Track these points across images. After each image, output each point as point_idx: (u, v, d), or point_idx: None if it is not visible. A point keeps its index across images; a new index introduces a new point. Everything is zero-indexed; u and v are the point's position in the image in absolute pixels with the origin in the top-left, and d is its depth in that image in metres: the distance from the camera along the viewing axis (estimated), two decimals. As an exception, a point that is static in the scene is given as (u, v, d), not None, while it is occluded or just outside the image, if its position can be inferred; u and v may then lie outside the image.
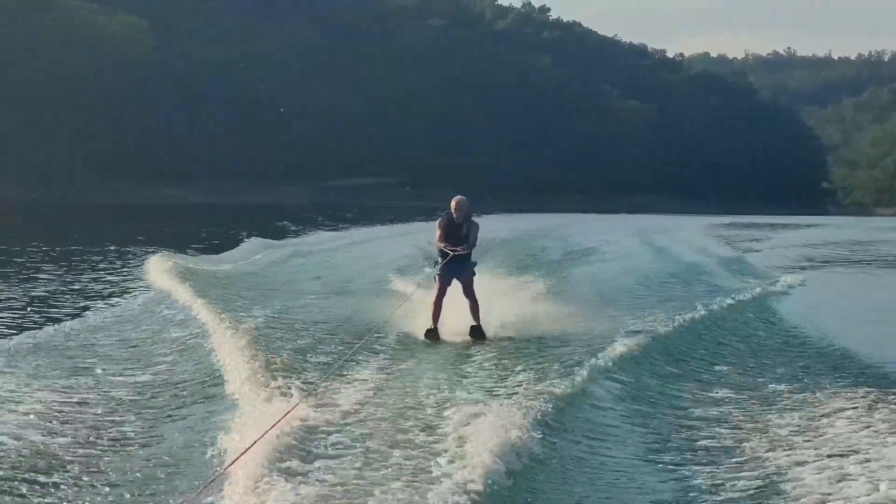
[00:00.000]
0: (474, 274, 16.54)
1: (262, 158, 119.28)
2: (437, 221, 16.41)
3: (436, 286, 16.22)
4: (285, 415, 9.35)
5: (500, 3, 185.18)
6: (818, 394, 12.54)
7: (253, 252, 33.82)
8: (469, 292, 16.29)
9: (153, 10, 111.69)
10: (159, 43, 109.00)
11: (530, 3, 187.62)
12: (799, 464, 9.44)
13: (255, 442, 8.40)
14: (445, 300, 16.23)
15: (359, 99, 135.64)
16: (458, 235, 16.21)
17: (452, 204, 16.26)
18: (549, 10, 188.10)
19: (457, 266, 16.19)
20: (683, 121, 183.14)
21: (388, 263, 30.93)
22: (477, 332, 16.00)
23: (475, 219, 16.57)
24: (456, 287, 16.36)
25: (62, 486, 8.32)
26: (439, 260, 16.30)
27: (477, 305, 16.25)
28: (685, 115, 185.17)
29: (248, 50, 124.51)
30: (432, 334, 15.92)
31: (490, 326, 16.42)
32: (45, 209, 65.10)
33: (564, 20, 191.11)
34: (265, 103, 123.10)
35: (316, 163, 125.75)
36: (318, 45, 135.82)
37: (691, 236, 59.50)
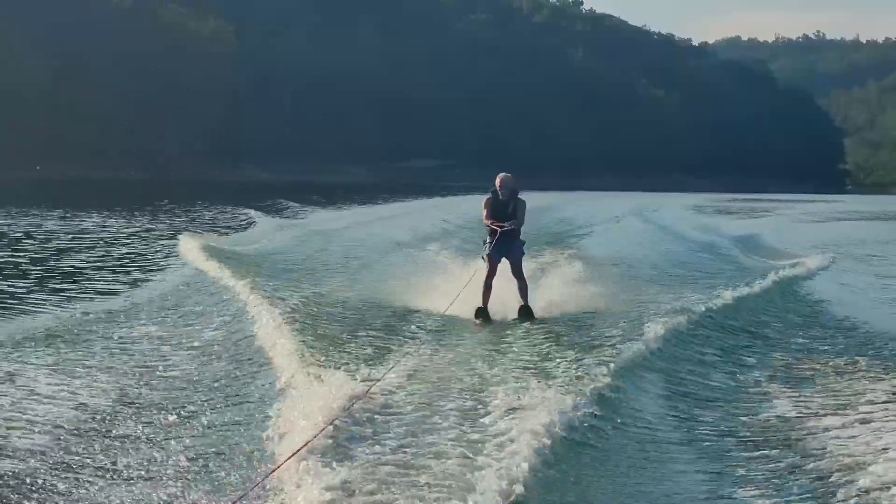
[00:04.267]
0: (524, 253, 15.90)
1: (330, 142, 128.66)
2: (484, 200, 15.69)
3: (485, 266, 15.58)
4: (346, 409, 8.95)
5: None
6: (861, 379, 12.05)
7: (276, 230, 33.34)
8: (517, 272, 15.62)
9: (235, 10, 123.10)
10: (241, 41, 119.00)
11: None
12: (848, 454, 8.90)
13: (312, 438, 8.06)
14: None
15: (414, 90, 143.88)
16: (505, 213, 15.56)
17: (497, 181, 15.62)
18: (581, 2, 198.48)
19: (506, 244, 15.51)
20: (706, 106, 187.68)
21: (426, 236, 30.65)
22: (526, 312, 15.26)
23: (521, 196, 15.85)
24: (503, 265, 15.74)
25: (112, 467, 8.03)
26: (487, 239, 15.64)
27: (526, 285, 15.60)
28: (708, 100, 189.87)
29: (315, 46, 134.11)
30: (483, 314, 15.20)
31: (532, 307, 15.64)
32: (132, 188, 70.61)
33: (598, 12, 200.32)
34: (332, 94, 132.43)
35: (378, 147, 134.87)
36: (379, 41, 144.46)
37: (714, 214, 60.99)
